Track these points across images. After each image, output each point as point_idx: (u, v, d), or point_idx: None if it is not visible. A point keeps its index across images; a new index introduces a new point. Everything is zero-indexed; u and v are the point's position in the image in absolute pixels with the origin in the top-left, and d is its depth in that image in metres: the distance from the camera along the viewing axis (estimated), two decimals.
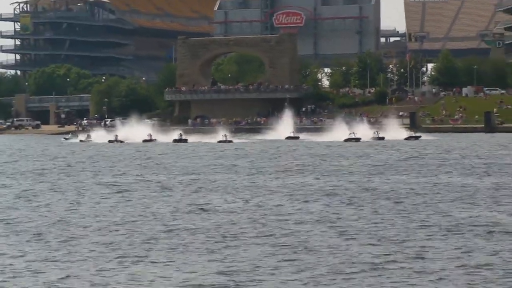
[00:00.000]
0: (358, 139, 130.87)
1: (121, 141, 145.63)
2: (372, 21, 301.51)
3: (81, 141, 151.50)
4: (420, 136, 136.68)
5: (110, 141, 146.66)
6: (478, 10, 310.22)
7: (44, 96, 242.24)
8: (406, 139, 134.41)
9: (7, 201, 53.50)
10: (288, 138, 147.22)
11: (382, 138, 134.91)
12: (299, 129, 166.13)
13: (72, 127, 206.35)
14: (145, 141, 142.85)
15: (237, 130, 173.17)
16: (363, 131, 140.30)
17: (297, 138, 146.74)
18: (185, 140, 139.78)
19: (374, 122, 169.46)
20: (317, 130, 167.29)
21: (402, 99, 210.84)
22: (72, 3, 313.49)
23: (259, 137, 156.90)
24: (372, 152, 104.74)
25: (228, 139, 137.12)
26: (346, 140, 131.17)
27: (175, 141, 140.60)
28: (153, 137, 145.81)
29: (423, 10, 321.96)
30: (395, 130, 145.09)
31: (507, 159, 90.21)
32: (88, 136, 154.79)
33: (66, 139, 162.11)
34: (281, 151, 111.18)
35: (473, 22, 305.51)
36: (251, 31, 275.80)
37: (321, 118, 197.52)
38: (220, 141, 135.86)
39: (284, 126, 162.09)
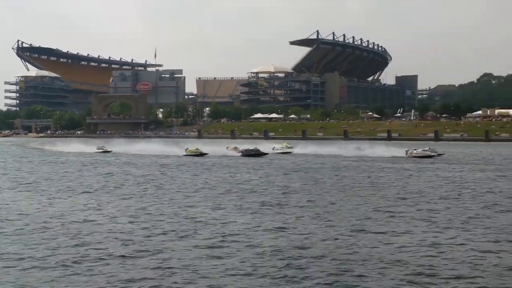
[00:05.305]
0: (432, 155, 65.37)
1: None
2: (182, 89, 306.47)
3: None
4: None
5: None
6: (229, 84, 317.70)
7: (30, 119, 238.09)
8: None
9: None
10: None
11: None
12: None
13: (42, 134, 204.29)
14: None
15: (122, 137, 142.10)
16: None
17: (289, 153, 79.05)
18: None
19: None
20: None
21: (195, 123, 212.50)
22: (43, 77, 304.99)
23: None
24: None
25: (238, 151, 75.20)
26: (425, 157, 64.95)
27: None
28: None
29: (204, 84, 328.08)
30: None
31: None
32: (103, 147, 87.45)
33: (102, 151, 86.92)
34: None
35: (227, 89, 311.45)
36: (127, 91, 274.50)
37: (158, 132, 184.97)
38: (241, 151, 74.32)
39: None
